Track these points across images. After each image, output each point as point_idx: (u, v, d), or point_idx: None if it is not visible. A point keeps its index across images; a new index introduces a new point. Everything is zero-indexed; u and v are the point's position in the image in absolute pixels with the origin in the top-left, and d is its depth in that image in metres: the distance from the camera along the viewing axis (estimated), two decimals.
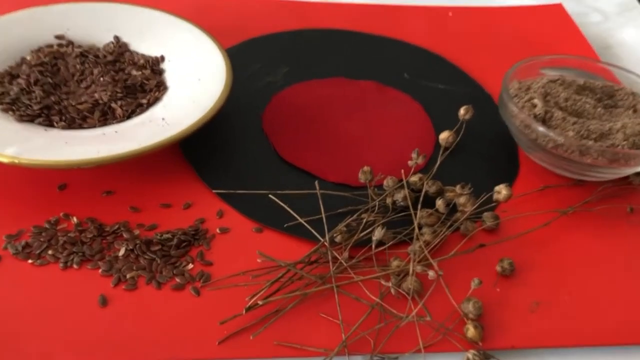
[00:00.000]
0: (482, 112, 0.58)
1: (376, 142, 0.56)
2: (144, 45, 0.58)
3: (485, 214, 0.49)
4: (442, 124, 0.58)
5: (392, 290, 0.43)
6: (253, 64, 0.63)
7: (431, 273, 0.42)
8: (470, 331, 0.42)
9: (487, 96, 0.63)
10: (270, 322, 0.41)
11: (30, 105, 0.50)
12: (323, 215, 0.45)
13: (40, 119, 0.49)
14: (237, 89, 0.57)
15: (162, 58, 0.57)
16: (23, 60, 0.55)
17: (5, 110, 0.50)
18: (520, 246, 0.48)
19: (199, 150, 0.52)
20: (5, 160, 0.44)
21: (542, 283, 0.46)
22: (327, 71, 0.63)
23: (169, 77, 0.55)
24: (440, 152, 0.54)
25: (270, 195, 0.47)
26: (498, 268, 0.46)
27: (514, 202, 0.51)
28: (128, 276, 0.43)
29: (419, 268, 0.43)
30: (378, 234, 0.44)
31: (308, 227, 0.45)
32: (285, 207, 0.47)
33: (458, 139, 0.55)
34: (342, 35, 0.69)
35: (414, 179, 0.50)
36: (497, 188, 0.48)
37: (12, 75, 0.53)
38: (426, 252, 0.44)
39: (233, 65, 0.55)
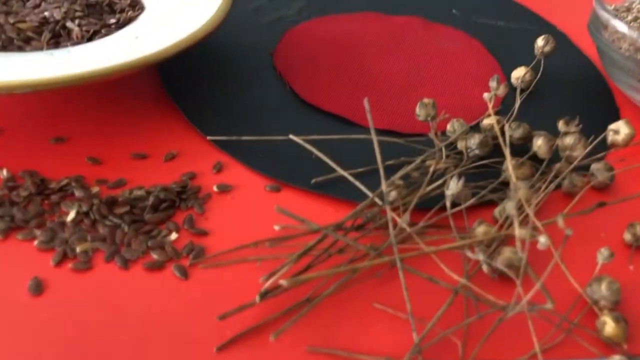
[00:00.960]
0: (558, 52, 0.43)
1: (428, 82, 0.42)
2: None
3: (595, 164, 0.35)
4: (509, 64, 0.44)
5: (485, 267, 0.28)
6: None
7: (542, 239, 0.27)
8: (609, 327, 0.27)
9: (561, 34, 0.49)
10: (298, 315, 0.26)
11: None
12: (379, 157, 0.30)
13: None
14: (238, 24, 0.44)
15: None
16: None
17: None
18: None
19: (187, 89, 0.38)
20: None
21: None
22: (355, 5, 0.49)
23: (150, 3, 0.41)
24: (517, 93, 0.39)
25: (291, 136, 0.33)
26: (627, 236, 0.31)
27: (627, 151, 0.37)
28: (78, 250, 0.28)
29: (525, 232, 0.28)
30: (454, 186, 0.30)
31: (350, 178, 0.31)
32: (316, 151, 0.32)
33: (536, 78, 0.41)
34: None
35: (489, 121, 0.36)
36: (612, 126, 0.34)
37: None
38: (529, 209, 0.29)
39: None
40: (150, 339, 0.25)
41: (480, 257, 0.28)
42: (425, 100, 0.34)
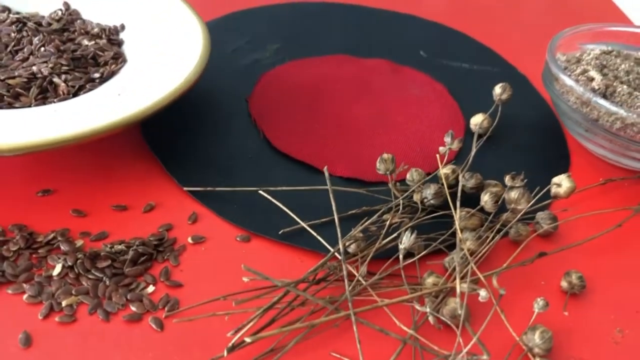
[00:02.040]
0: (517, 94, 0.47)
1: (392, 129, 0.45)
2: (99, 11, 0.47)
3: (540, 214, 0.38)
4: (471, 108, 0.47)
5: (431, 319, 0.31)
6: (237, 39, 0.52)
7: (483, 293, 0.30)
8: None
9: (521, 76, 0.52)
10: None
11: None
12: (336, 217, 0.33)
13: None
14: (216, 66, 0.46)
15: (122, 27, 0.45)
16: None
17: None
18: (588, 255, 0.37)
19: (166, 139, 0.41)
20: None
21: (622, 302, 0.35)
22: (327, 48, 0.52)
23: (130, 49, 0.44)
24: (474, 139, 0.42)
25: (260, 191, 0.36)
26: (564, 284, 0.35)
27: (571, 201, 0.40)
28: (64, 304, 0.31)
29: (465, 286, 0.31)
30: (407, 240, 0.33)
31: (312, 232, 0.34)
32: (281, 206, 0.35)
33: (494, 124, 0.44)
34: (344, 9, 0.58)
35: (446, 170, 0.39)
36: (555, 179, 0.37)
37: None
38: (472, 263, 0.32)
39: (213, 41, 0.44)
40: None
41: (427, 309, 0.31)
42: (385, 155, 0.37)
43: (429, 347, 0.30)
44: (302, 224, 0.34)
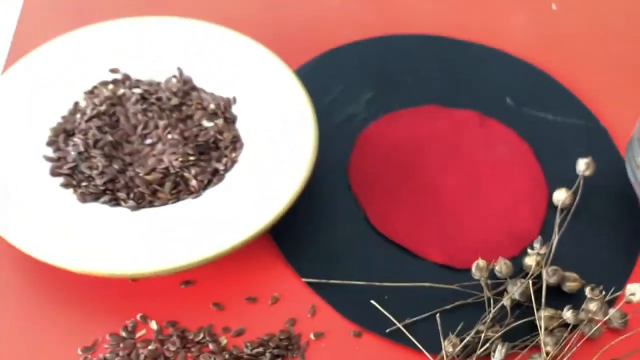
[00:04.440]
0: (594, 152, 0.49)
1: (482, 202, 0.49)
2: (208, 77, 0.50)
3: (613, 313, 0.43)
4: (554, 172, 0.50)
5: None
6: (332, 86, 0.55)
7: None
8: None
9: (602, 130, 0.54)
10: None
11: (93, 178, 0.43)
12: (440, 332, 0.39)
13: (106, 197, 0.43)
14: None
15: (234, 100, 0.49)
16: (76, 107, 0.48)
17: (66, 186, 0.43)
18: None
19: (282, 223, 0.46)
20: (75, 270, 0.39)
21: None
22: (417, 95, 0.55)
23: (242, 127, 0.48)
24: (557, 216, 0.46)
25: (372, 302, 0.42)
26: None
27: None
28: None
29: None
30: (499, 354, 0.39)
31: (414, 341, 0.40)
32: (385, 312, 0.41)
33: (577, 200, 0.48)
34: (434, 42, 0.59)
35: (530, 261, 0.44)
36: (630, 288, 0.42)
37: (66, 131, 0.46)
38: None
39: (308, 90, 0.48)
40: None
41: None
42: (481, 263, 0.42)
43: None
44: (402, 328, 0.41)
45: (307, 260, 0.45)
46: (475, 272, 0.42)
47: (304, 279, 0.44)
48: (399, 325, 0.41)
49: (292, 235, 0.46)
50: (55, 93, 0.48)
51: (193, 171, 0.45)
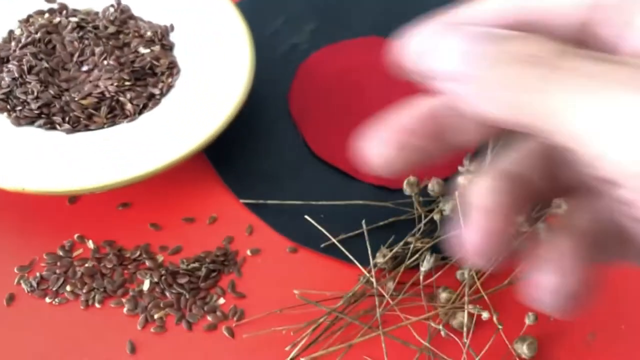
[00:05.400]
0: None
1: None
2: (146, 6, 0.50)
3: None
4: None
5: (442, 332, 0.40)
6: (274, 19, 0.55)
7: (485, 314, 0.38)
8: None
9: None
10: None
11: (28, 103, 0.43)
12: (368, 245, 0.40)
13: (41, 121, 0.43)
14: (256, 55, 0.50)
15: (172, 27, 0.49)
16: (11, 35, 0.47)
17: (0, 110, 0.43)
18: None
19: (221, 148, 0.46)
20: (9, 188, 0.39)
21: (598, 311, 0.43)
22: (359, 25, 0.55)
23: (179, 54, 0.48)
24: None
25: (306, 217, 0.43)
26: None
27: None
28: (155, 316, 0.39)
29: (471, 308, 0.39)
30: (427, 264, 0.40)
31: (347, 253, 0.41)
32: (319, 227, 0.42)
33: None
34: None
35: (462, 180, 0.45)
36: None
37: (0, 58, 0.46)
38: (478, 283, 0.40)
39: (249, 21, 0.48)
40: None
41: (440, 326, 0.39)
42: (411, 178, 0.43)
43: (440, 356, 0.39)
44: (337, 243, 0.42)
45: (246, 182, 0.45)
46: (406, 188, 0.43)
47: (242, 200, 0.44)
48: (333, 240, 0.42)
49: (232, 160, 0.46)
50: None
51: (129, 95, 0.45)
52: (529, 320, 0.40)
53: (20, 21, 0.48)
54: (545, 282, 0.21)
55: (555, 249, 0.21)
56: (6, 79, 0.44)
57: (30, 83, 0.44)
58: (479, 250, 0.22)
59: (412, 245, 0.42)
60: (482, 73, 0.20)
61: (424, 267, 0.40)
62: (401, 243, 0.42)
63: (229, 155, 0.46)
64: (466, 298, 0.40)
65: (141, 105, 0.45)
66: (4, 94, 0.44)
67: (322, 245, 0.43)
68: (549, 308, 0.21)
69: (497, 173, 0.23)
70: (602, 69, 0.18)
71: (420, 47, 0.21)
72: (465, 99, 0.20)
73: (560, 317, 0.30)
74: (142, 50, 0.47)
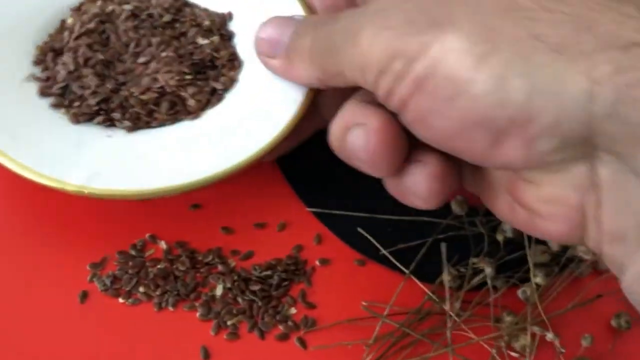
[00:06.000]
0: None
1: None
2: None
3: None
4: None
5: (505, 354, 0.41)
6: None
7: (550, 335, 0.40)
8: None
9: None
10: None
11: (85, 98, 0.42)
12: (445, 267, 0.41)
13: (100, 118, 0.41)
14: None
15: (230, 15, 0.47)
16: (63, 25, 0.45)
17: (57, 106, 0.42)
18: None
19: (291, 158, 0.46)
20: (71, 189, 0.37)
21: None
22: None
23: (239, 45, 0.46)
24: None
25: (358, 229, 0.43)
26: (613, 323, 0.44)
27: None
28: (229, 323, 0.40)
29: (536, 329, 0.40)
30: (497, 285, 0.42)
31: (406, 271, 0.42)
32: (372, 239, 0.43)
33: None
34: None
35: None
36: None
37: (54, 50, 0.44)
38: (540, 308, 0.41)
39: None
40: None
41: (502, 344, 0.41)
42: (458, 197, 0.44)
43: None
44: (390, 257, 0.42)
45: (314, 189, 0.45)
46: (455, 208, 0.44)
47: (309, 209, 0.45)
48: (384, 252, 0.43)
49: (299, 164, 0.46)
50: (40, 10, 0.46)
51: (190, 90, 0.43)
52: (585, 342, 0.41)
53: (72, 9, 0.46)
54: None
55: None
56: (61, 72, 0.42)
57: (86, 77, 0.42)
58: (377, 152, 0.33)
59: (477, 265, 0.43)
60: (282, 52, 0.37)
61: (494, 295, 0.41)
62: (468, 263, 0.43)
63: (295, 158, 0.46)
64: (528, 319, 0.41)
65: (204, 102, 0.43)
66: (60, 88, 0.42)
67: (380, 253, 0.43)
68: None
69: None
70: (351, 19, 0.32)
71: (257, 34, 0.39)
72: (276, 71, 0.39)
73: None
74: (200, 40, 0.45)
